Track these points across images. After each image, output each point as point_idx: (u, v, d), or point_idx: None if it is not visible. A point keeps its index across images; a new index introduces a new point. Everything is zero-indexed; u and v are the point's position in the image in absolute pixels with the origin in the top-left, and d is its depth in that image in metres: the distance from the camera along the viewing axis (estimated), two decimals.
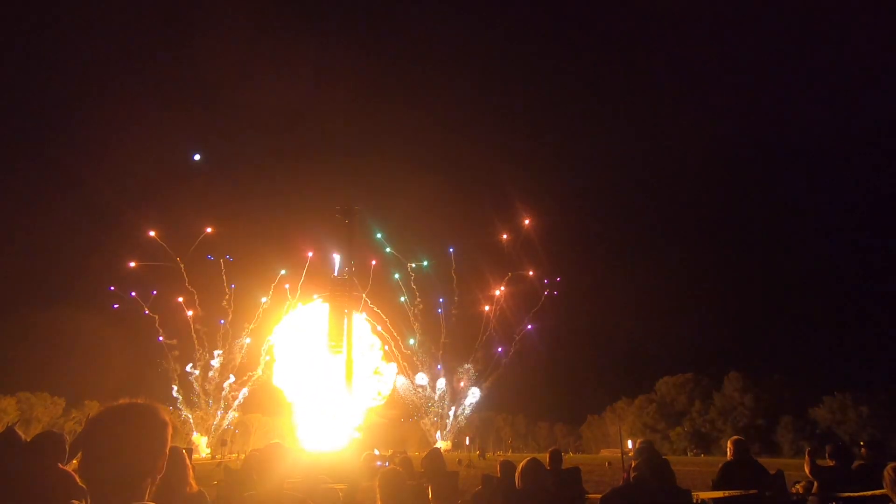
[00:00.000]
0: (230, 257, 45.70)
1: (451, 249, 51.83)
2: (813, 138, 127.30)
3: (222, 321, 46.28)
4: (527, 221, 50.35)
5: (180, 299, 44.61)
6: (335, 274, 23.55)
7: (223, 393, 47.24)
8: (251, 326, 46.19)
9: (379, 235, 47.84)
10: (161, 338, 45.14)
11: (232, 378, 47.17)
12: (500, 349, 50.65)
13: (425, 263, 51.06)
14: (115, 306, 43.38)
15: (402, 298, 49.01)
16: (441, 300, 52.23)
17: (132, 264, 42.98)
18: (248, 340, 46.29)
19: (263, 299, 45.19)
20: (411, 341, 50.71)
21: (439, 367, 51.05)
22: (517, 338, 50.67)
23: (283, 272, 46.44)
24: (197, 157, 45.92)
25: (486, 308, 51.77)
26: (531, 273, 50.36)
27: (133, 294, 43.88)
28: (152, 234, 44.22)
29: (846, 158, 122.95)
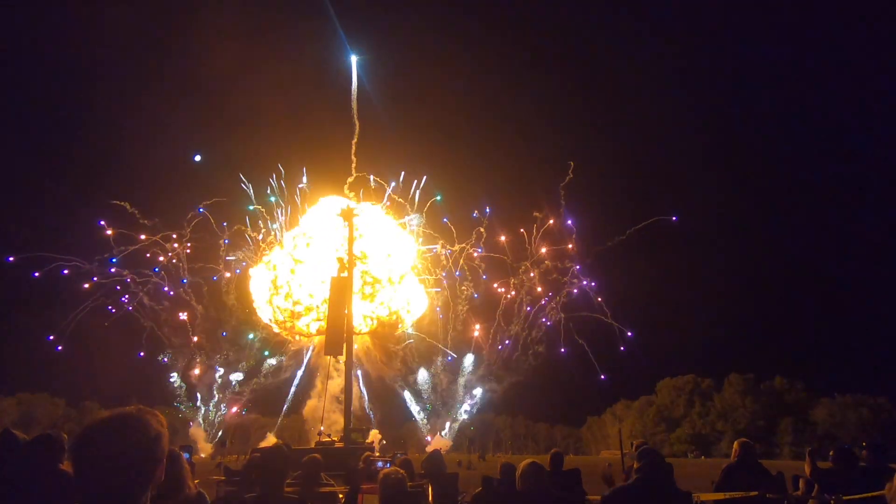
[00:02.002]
0: (227, 240, 43.39)
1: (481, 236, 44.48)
2: (823, 138, 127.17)
3: (224, 336, 44.83)
4: (562, 180, 42.66)
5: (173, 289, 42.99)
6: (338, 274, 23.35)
7: (226, 393, 46.89)
8: (254, 338, 44.77)
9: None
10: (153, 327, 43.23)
11: (239, 376, 46.33)
12: (506, 342, 45.91)
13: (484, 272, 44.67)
14: (64, 272, 39.46)
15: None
16: (476, 296, 45.68)
17: (109, 231, 39.67)
18: (251, 336, 45.01)
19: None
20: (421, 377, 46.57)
21: (450, 357, 47.56)
22: (538, 336, 45.53)
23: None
24: (197, 157, 44.58)
25: (477, 333, 45.71)
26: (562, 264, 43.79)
27: (116, 269, 40.96)
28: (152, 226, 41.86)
29: (852, 161, 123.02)
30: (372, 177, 40.26)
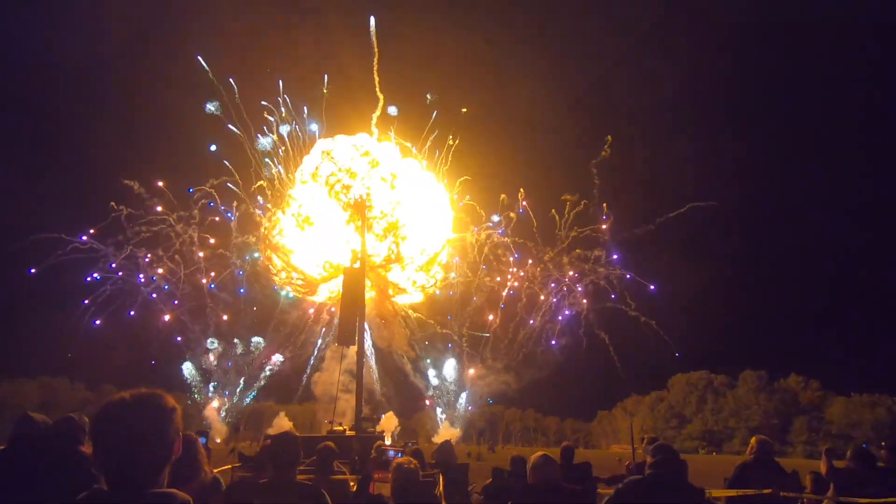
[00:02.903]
0: (231, 215, 41.79)
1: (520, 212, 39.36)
2: (837, 134, 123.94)
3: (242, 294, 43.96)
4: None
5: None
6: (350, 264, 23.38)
7: (241, 378, 47.35)
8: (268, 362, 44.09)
9: None
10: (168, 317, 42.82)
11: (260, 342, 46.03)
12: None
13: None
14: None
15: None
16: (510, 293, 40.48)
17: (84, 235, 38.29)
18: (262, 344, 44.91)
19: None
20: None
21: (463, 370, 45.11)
22: (561, 328, 41.92)
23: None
24: (213, 147, 44.00)
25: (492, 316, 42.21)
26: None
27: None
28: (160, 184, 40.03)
29: (862, 157, 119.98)
30: (394, 142, 37.98)
